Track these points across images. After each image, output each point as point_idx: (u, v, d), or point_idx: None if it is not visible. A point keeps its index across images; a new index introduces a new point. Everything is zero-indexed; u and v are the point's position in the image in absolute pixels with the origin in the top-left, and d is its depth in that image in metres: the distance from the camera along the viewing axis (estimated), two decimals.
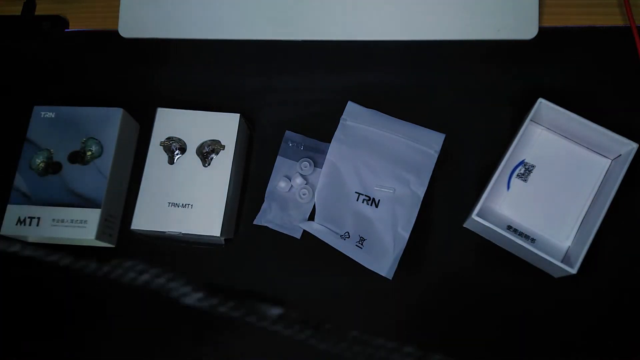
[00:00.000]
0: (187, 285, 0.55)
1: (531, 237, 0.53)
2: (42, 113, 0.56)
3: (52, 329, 0.54)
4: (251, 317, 0.53)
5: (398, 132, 0.56)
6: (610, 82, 0.58)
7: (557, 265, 0.49)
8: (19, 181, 0.54)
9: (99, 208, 0.52)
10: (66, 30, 0.64)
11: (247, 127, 0.58)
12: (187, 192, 0.53)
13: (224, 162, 0.54)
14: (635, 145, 0.52)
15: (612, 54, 0.59)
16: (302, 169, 0.57)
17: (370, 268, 0.52)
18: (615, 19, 0.60)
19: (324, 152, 0.56)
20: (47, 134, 0.55)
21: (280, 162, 0.57)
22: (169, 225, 0.52)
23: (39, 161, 0.54)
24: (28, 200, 0.53)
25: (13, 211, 0.53)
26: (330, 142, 0.56)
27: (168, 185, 0.53)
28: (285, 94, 0.60)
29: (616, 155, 0.54)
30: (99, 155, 0.54)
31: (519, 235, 0.53)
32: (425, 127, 0.56)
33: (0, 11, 0.65)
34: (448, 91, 0.59)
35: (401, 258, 0.52)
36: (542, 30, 0.59)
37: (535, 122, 0.56)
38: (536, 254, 0.49)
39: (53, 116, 0.56)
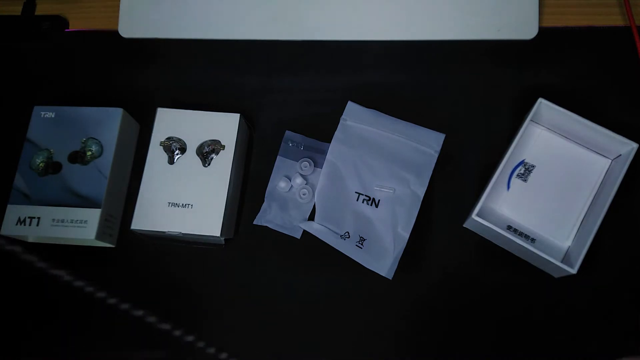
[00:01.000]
0: (187, 285, 0.55)
1: (531, 237, 0.53)
2: (42, 113, 0.56)
3: (52, 329, 0.54)
4: (251, 317, 0.54)
5: (398, 132, 0.56)
6: (610, 82, 0.58)
7: (557, 265, 0.49)
8: (19, 181, 0.54)
9: (99, 208, 0.52)
10: (66, 30, 0.64)
11: (247, 127, 0.58)
12: (187, 192, 0.53)
13: (224, 162, 0.54)
14: (635, 145, 0.52)
15: (612, 54, 0.59)
16: (302, 169, 0.57)
17: (370, 268, 0.52)
18: (615, 19, 0.60)
19: (324, 152, 0.56)
20: (47, 134, 0.55)
21: (280, 162, 0.57)
22: (169, 225, 0.52)
23: (39, 161, 0.54)
24: (28, 200, 0.53)
25: (13, 211, 0.53)
26: (330, 142, 0.56)
27: (168, 185, 0.53)
28: (285, 94, 0.60)
29: (616, 155, 0.54)
30: (99, 155, 0.54)
31: (519, 235, 0.53)
32: (425, 127, 0.56)
33: (0, 11, 0.65)
34: (448, 91, 0.59)
35: (401, 258, 0.52)
36: (542, 30, 0.59)
37: (535, 122, 0.56)
38: (536, 254, 0.49)
39: (53, 116, 0.56)
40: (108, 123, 0.55)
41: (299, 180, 0.56)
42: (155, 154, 0.54)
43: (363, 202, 0.54)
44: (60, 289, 0.55)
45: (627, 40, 0.59)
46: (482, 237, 0.54)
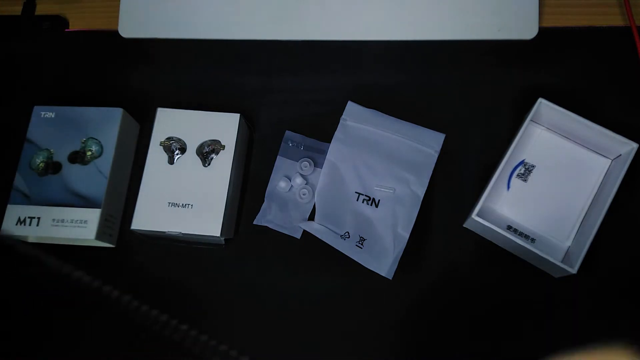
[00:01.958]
0: (187, 285, 0.55)
1: (531, 237, 0.53)
2: (42, 113, 0.56)
3: (52, 329, 0.54)
4: (251, 317, 0.54)
5: (398, 132, 0.56)
6: (610, 82, 0.58)
7: (557, 265, 0.49)
8: (19, 181, 0.54)
9: (99, 208, 0.52)
10: (66, 30, 0.64)
11: (247, 127, 0.58)
12: (187, 192, 0.53)
13: (224, 162, 0.54)
14: (635, 145, 0.52)
15: (612, 54, 0.59)
16: (302, 169, 0.57)
17: (370, 268, 0.52)
18: (615, 19, 0.60)
19: (324, 152, 0.56)
20: (47, 134, 0.55)
21: (280, 162, 0.57)
22: (169, 225, 0.52)
23: (39, 161, 0.54)
24: (28, 200, 0.53)
25: (13, 211, 0.53)
26: (330, 142, 0.56)
27: (168, 185, 0.53)
28: (285, 94, 0.60)
29: (616, 155, 0.54)
30: (99, 155, 0.54)
31: (519, 235, 0.53)
32: (425, 127, 0.56)
33: (0, 11, 0.65)
34: (448, 91, 0.59)
35: (401, 258, 0.52)
36: (542, 30, 0.59)
37: (535, 122, 0.56)
38: (536, 254, 0.49)
39: (53, 116, 0.56)
40: (108, 123, 0.55)
41: (299, 180, 0.56)
42: (155, 154, 0.54)
43: (363, 202, 0.54)
44: (60, 289, 0.55)
45: (627, 40, 0.59)
46: (482, 237, 0.54)
